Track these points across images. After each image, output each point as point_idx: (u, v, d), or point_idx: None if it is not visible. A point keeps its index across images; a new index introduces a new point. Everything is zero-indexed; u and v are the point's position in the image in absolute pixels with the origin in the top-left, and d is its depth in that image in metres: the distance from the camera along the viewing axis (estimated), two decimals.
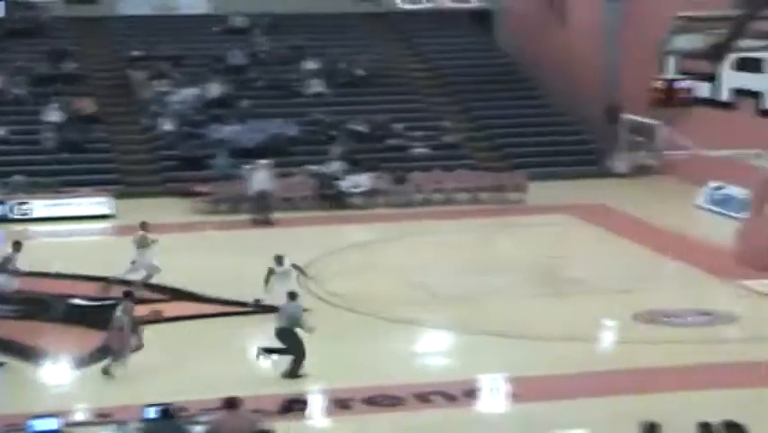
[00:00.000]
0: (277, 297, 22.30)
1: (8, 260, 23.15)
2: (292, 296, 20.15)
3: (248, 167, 34.76)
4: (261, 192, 32.33)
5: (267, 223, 31.99)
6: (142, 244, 24.74)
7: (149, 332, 20.78)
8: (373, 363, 20.53)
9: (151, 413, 14.93)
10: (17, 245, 23.50)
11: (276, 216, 32.37)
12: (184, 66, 42.09)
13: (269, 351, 20.11)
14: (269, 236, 28.74)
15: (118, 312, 20.01)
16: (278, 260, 22.85)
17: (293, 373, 19.68)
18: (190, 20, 44.76)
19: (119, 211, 33.03)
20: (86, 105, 39.34)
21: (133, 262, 24.64)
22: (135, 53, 42.27)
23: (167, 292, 24.86)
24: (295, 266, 22.87)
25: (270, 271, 22.75)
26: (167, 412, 14.94)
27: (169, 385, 19.01)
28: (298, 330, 19.76)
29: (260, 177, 32.53)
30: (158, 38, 43.27)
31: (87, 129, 38.54)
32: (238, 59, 42.40)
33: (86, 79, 41.35)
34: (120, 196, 34.18)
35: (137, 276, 24.43)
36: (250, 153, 36.66)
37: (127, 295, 20.49)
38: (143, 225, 25.22)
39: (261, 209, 32.22)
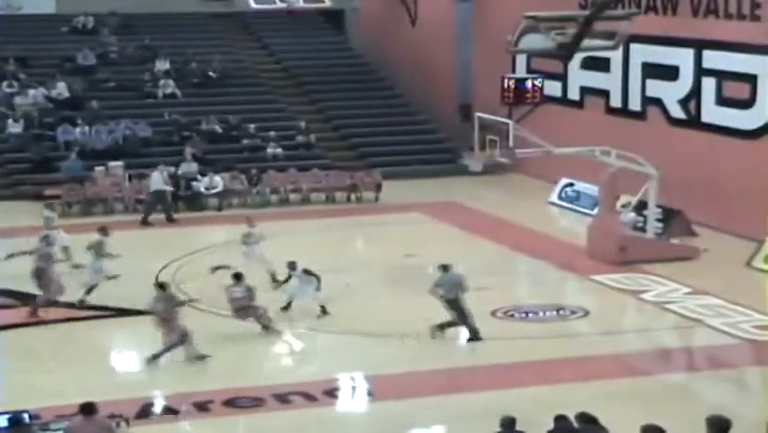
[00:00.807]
0: (301, 300, 23.07)
1: (101, 244, 24.52)
2: (445, 268, 21.41)
3: (100, 168, 34.65)
4: (158, 193, 32.39)
5: (170, 221, 32.34)
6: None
7: (2, 338, 20.28)
8: (233, 365, 20.39)
9: (2, 421, 14.59)
10: (104, 231, 24.92)
11: (129, 218, 31.97)
12: (31, 67, 41.17)
13: (441, 327, 21.34)
14: (126, 239, 28.19)
15: (158, 305, 20.61)
16: (291, 265, 23.58)
17: (474, 333, 21.26)
18: (36, 19, 43.77)
19: None
20: None
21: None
22: None
23: (19, 298, 24.26)
24: (307, 271, 23.48)
25: (288, 277, 23.72)
26: (18, 421, 14.59)
27: (24, 392, 18.57)
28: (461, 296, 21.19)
29: (156, 178, 32.55)
30: (3, 38, 42.24)
31: None
32: (88, 60, 41.64)
33: None
34: None
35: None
36: (100, 155, 36.21)
37: (161, 286, 21.16)
38: (249, 220, 26.56)
39: (155, 209, 32.28)
